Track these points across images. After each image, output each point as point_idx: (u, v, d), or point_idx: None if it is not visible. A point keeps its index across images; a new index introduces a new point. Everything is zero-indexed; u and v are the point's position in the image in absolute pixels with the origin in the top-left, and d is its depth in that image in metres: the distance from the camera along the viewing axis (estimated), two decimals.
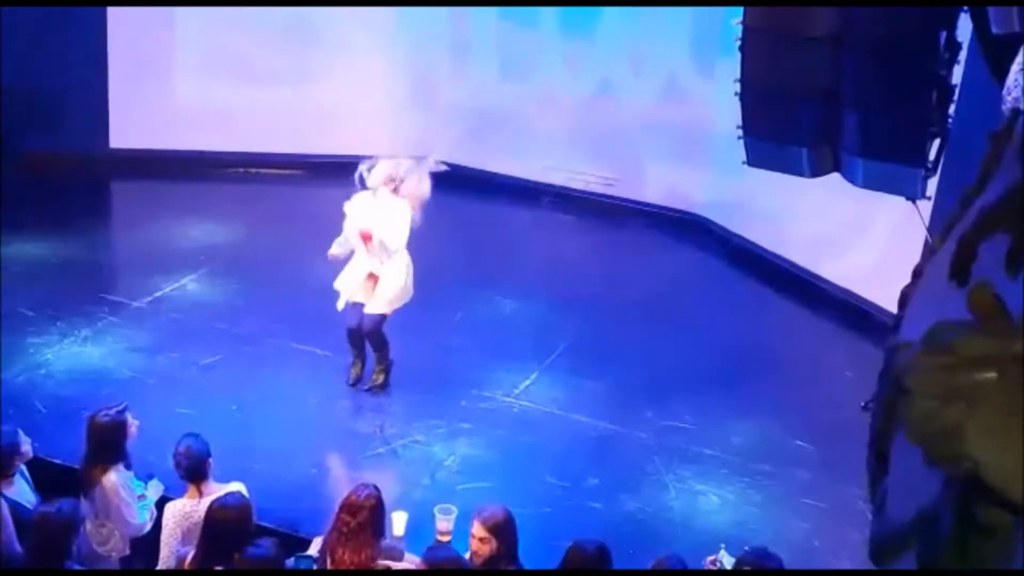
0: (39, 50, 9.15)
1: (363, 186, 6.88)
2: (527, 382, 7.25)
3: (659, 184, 9.63)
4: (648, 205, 9.75)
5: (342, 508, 4.85)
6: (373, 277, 7.00)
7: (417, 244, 9.28)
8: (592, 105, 9.70)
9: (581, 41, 9.62)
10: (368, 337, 7.00)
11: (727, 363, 7.63)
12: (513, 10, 9.71)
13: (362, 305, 6.94)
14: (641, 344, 7.78)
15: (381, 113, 10.06)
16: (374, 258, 6.95)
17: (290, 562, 4.84)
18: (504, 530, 4.89)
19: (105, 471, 5.26)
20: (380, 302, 6.93)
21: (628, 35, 9.50)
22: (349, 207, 6.98)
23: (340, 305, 6.95)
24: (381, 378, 7.06)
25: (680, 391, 7.22)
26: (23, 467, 5.33)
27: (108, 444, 5.29)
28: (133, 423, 5.36)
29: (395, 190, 6.88)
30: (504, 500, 5.18)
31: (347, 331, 7.02)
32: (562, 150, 9.91)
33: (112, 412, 5.35)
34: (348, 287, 6.96)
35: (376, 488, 4.95)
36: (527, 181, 9.99)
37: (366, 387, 7.06)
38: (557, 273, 8.70)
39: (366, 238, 6.92)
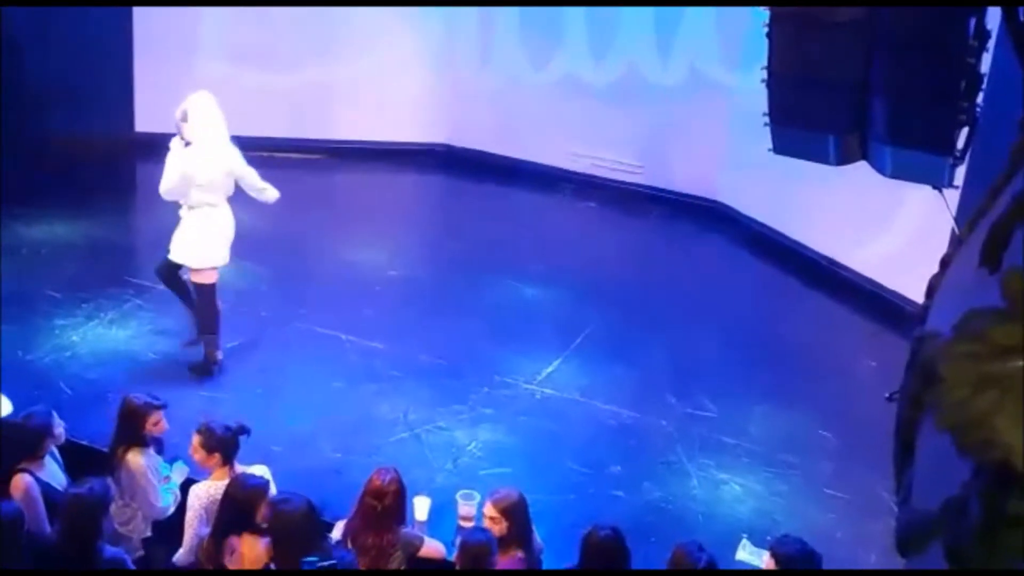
0: (65, 35, 9.19)
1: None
2: (549, 369, 7.25)
3: (683, 171, 9.59)
4: (672, 193, 9.72)
5: (367, 492, 4.87)
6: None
7: (440, 230, 9.36)
8: (617, 91, 9.66)
9: (607, 27, 9.58)
10: (191, 294, 6.77)
11: (750, 352, 7.61)
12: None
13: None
14: (664, 332, 7.76)
15: (405, 98, 10.07)
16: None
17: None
18: (515, 512, 4.91)
19: (132, 452, 5.31)
20: (176, 253, 6.65)
21: (654, 21, 9.45)
22: None
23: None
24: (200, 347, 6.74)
25: (703, 379, 7.21)
26: (54, 449, 5.36)
27: (137, 426, 5.33)
28: (161, 419, 5.37)
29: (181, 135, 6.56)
30: (526, 486, 5.19)
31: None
32: (586, 137, 9.89)
33: (145, 396, 5.38)
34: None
35: (397, 472, 4.98)
36: (550, 167, 9.98)
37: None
38: (580, 260, 8.70)
39: None
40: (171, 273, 6.79)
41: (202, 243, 6.64)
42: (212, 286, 6.74)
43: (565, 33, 9.75)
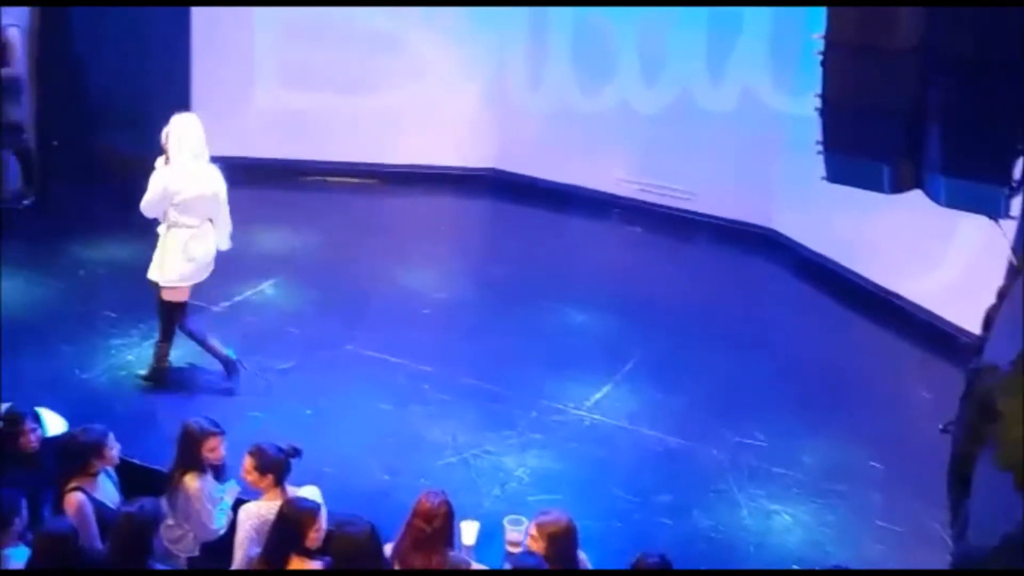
0: (127, 57, 9.37)
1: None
2: (599, 395, 7.24)
3: (734, 197, 9.55)
4: (722, 219, 9.68)
5: (416, 515, 4.89)
6: None
7: (488, 254, 9.39)
8: (668, 117, 9.67)
9: (658, 52, 9.60)
10: (160, 315, 6.93)
11: (800, 380, 7.55)
12: (591, 20, 9.72)
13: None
14: (713, 359, 7.72)
15: (455, 123, 10.14)
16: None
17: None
18: (559, 539, 4.88)
19: (189, 476, 5.37)
20: (152, 272, 6.84)
21: (706, 47, 9.45)
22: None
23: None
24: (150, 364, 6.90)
25: (752, 408, 7.16)
26: (110, 468, 5.42)
27: (194, 450, 5.39)
28: (217, 446, 5.41)
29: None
30: (574, 512, 5.17)
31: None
32: (635, 162, 9.88)
33: (205, 422, 5.44)
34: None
35: (446, 495, 4.98)
36: (598, 192, 9.99)
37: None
38: (628, 286, 8.68)
39: None
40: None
41: (167, 261, 6.77)
42: (172, 304, 6.83)
43: (617, 59, 9.76)
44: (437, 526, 4.87)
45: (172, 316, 6.89)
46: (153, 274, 6.84)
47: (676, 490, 6.36)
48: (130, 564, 4.73)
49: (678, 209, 9.78)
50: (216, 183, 6.83)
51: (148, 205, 6.76)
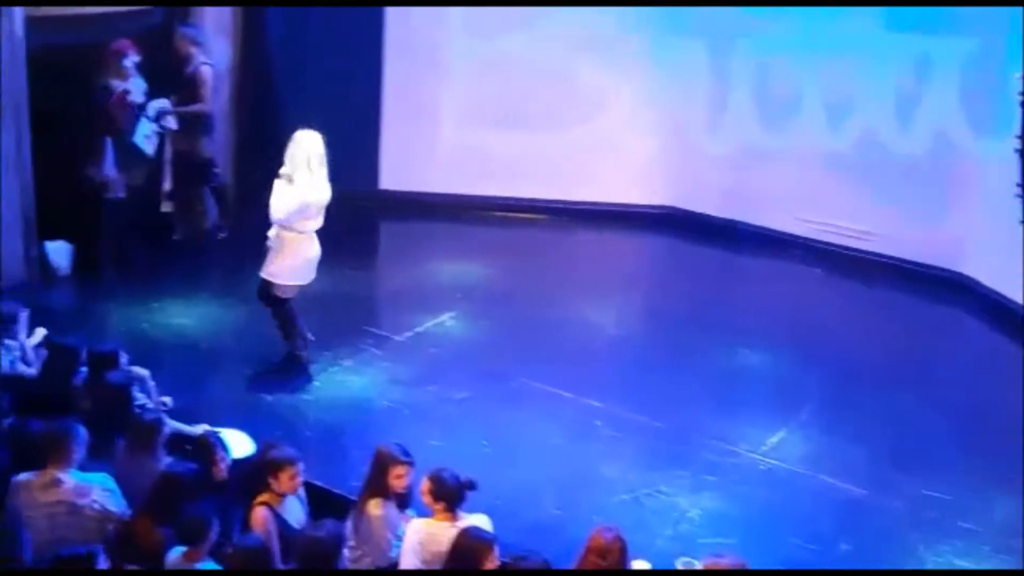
0: (320, 94, 9.80)
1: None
2: (774, 438, 7.11)
3: (919, 239, 9.27)
4: (906, 261, 9.40)
5: (591, 550, 4.90)
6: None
7: (664, 292, 9.37)
8: (851, 157, 9.47)
9: (844, 93, 9.43)
10: (274, 314, 7.42)
11: (987, 432, 7.25)
12: (773, 59, 9.63)
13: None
14: (894, 406, 7.50)
15: (633, 161, 10.18)
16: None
17: None
18: None
19: (373, 502, 5.46)
20: (268, 268, 7.30)
21: (895, 85, 9.24)
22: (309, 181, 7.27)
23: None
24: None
25: (935, 457, 6.92)
26: (301, 490, 5.55)
27: (381, 476, 5.48)
28: (403, 474, 5.49)
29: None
30: (748, 558, 5.10)
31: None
32: (816, 202, 9.72)
33: (395, 448, 5.52)
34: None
35: (619, 531, 4.98)
36: (777, 232, 9.85)
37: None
38: (807, 328, 8.52)
39: None
40: (266, 292, 7.37)
41: (288, 263, 7.28)
42: (288, 300, 7.39)
43: (799, 98, 9.64)
44: (612, 562, 4.87)
45: (294, 311, 7.35)
46: (281, 276, 7.29)
47: (855, 540, 6.17)
48: None
49: (860, 250, 9.55)
50: (328, 194, 7.31)
51: (291, 215, 7.17)
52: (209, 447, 5.60)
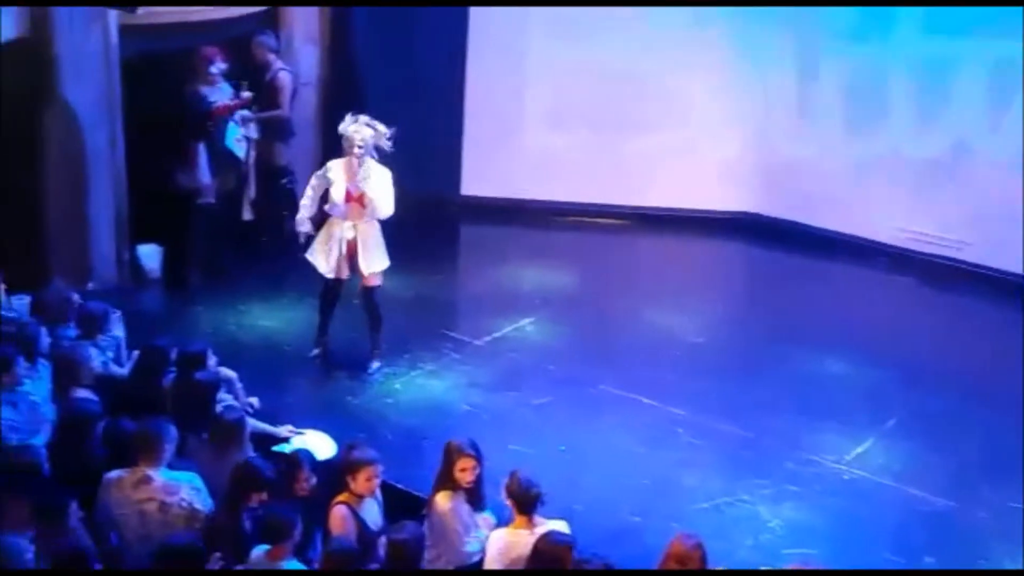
0: (404, 101, 9.90)
1: (351, 151, 7.25)
2: (859, 449, 7.00)
3: (1014, 249, 9.03)
4: (999, 271, 9.18)
5: (670, 556, 4.87)
6: (351, 244, 7.36)
7: (746, 299, 9.28)
8: (942, 164, 9.28)
9: (935, 99, 9.25)
10: (376, 306, 7.55)
11: None
12: (862, 62, 9.48)
13: (348, 278, 7.46)
14: (984, 419, 7.35)
15: (716, 166, 10.10)
16: (352, 221, 7.34)
17: None
18: None
19: (442, 495, 5.49)
20: (377, 266, 7.42)
21: (987, 93, 9.03)
22: (334, 168, 7.37)
23: (330, 274, 7.45)
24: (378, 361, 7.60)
25: (1021, 470, 6.72)
26: (378, 491, 5.60)
27: (449, 469, 5.50)
28: (468, 468, 5.49)
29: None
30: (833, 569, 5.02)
31: (327, 302, 7.60)
32: (905, 209, 9.54)
33: (464, 442, 5.55)
34: (333, 258, 7.39)
35: (699, 538, 4.93)
36: (865, 240, 9.69)
37: (371, 372, 7.54)
38: (894, 337, 8.37)
39: (350, 198, 7.31)
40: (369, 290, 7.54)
41: (380, 251, 7.51)
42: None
43: (889, 103, 9.48)
44: (692, 569, 4.83)
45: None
46: (380, 264, 7.44)
47: (942, 553, 6.05)
48: None
49: (951, 259, 9.35)
50: None
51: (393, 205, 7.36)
52: (297, 464, 5.65)
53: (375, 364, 7.63)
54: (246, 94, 8.65)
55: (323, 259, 7.46)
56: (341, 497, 5.47)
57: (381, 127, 7.33)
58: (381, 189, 7.34)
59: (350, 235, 7.38)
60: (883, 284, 9.33)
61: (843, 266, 9.52)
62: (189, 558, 4.82)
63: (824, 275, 9.45)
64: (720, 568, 5.16)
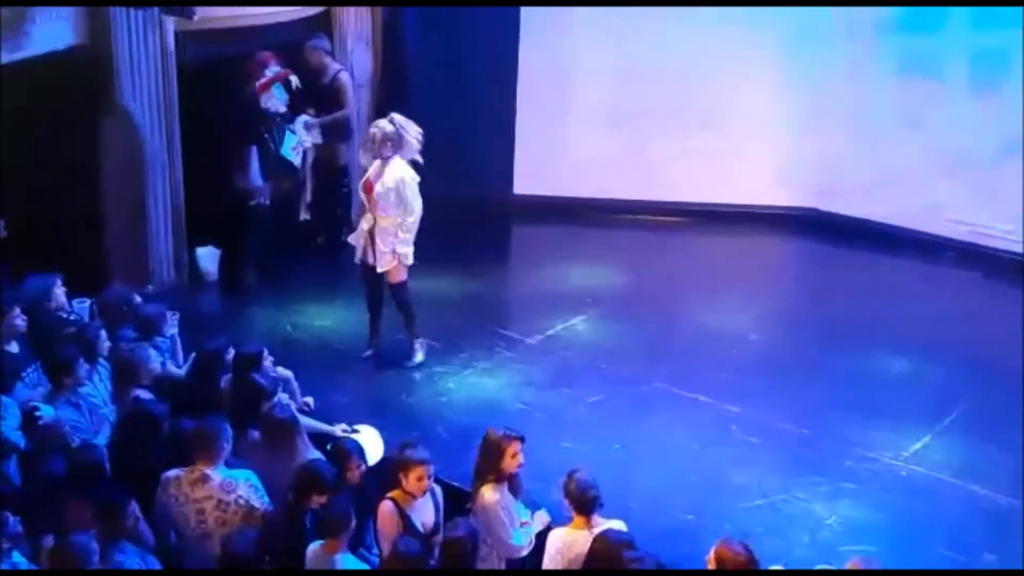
0: (455, 100, 9.95)
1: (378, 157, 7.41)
2: (917, 445, 6.90)
3: None
4: None
5: (718, 562, 4.81)
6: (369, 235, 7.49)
7: (805, 296, 9.17)
8: (1005, 155, 9.09)
9: (989, 99, 9.07)
10: (403, 304, 7.63)
11: None
12: (918, 53, 9.35)
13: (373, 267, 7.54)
14: None
15: (771, 161, 10.00)
16: (369, 213, 7.47)
17: None
18: None
19: (487, 488, 5.47)
20: (382, 264, 7.50)
21: None
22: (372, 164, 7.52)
23: (357, 258, 7.63)
24: (419, 355, 7.68)
25: None
26: (435, 487, 5.62)
27: (495, 459, 5.48)
28: (519, 452, 5.48)
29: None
30: (892, 567, 4.95)
31: (371, 298, 7.78)
32: (969, 202, 9.37)
33: (504, 429, 5.53)
34: (359, 246, 7.59)
35: (746, 547, 4.84)
36: (927, 235, 9.54)
37: (410, 365, 7.62)
38: (957, 333, 8.22)
39: (368, 190, 7.46)
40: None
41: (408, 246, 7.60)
42: None
43: (947, 94, 9.33)
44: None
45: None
46: (382, 263, 7.50)
47: (1005, 552, 5.95)
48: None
49: (1017, 253, 9.16)
50: None
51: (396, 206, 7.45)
52: (345, 454, 5.71)
53: (416, 359, 7.71)
54: (286, 72, 8.64)
55: (357, 244, 7.66)
56: (392, 493, 5.50)
57: (412, 128, 7.47)
58: (388, 186, 7.39)
59: (366, 226, 7.52)
60: (948, 279, 9.17)
61: (905, 261, 9.37)
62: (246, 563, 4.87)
63: (886, 271, 9.31)
64: (776, 567, 5.12)
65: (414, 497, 5.48)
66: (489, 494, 5.47)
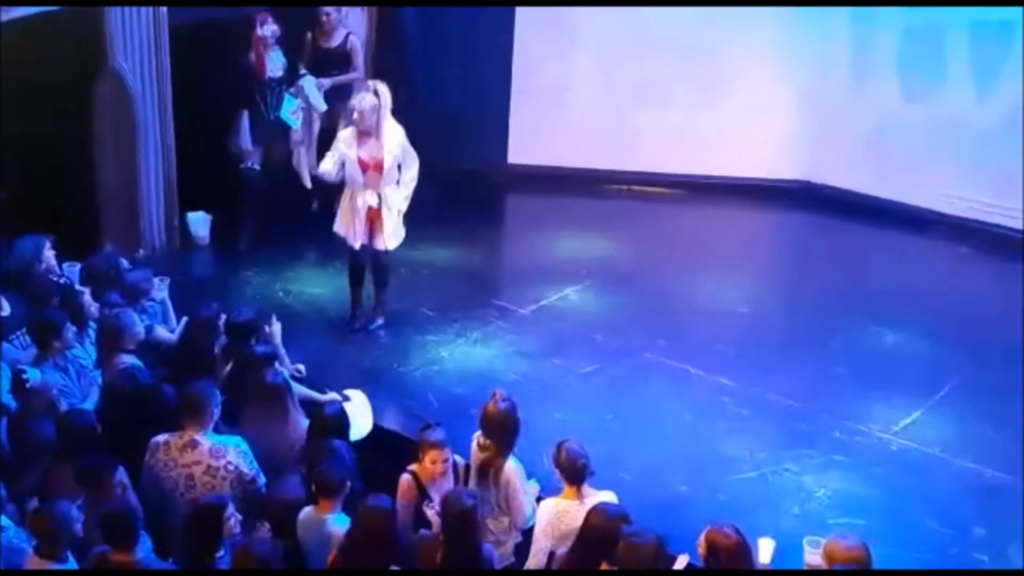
0: (451, 69, 9.88)
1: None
2: (908, 420, 6.90)
3: None
4: None
5: (708, 547, 4.79)
6: (373, 211, 7.33)
7: (798, 269, 9.15)
8: (1002, 130, 9.06)
9: (994, 63, 9.03)
10: (386, 273, 7.64)
11: None
12: (920, 25, 9.29)
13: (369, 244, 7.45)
14: None
15: (768, 135, 9.95)
16: (373, 190, 7.30)
17: None
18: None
19: (513, 461, 5.46)
20: (393, 242, 7.48)
21: None
22: (343, 140, 7.31)
23: (356, 244, 7.44)
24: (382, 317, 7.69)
25: None
26: (458, 459, 5.61)
27: (506, 431, 5.47)
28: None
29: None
30: (880, 541, 4.98)
31: (354, 271, 7.61)
32: (963, 177, 9.34)
33: (506, 398, 5.52)
34: (355, 226, 7.38)
35: (736, 530, 4.81)
36: (921, 209, 9.52)
37: (375, 325, 7.65)
38: (949, 308, 8.22)
39: (367, 167, 7.25)
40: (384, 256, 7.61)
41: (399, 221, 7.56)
42: None
43: (946, 69, 9.28)
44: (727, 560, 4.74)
45: None
46: (393, 241, 7.49)
47: (994, 525, 5.96)
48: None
49: (1012, 228, 9.15)
50: None
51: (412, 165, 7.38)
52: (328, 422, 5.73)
53: (378, 321, 7.70)
54: (277, 29, 8.50)
55: (350, 230, 7.43)
56: (413, 466, 5.50)
57: (381, 85, 7.29)
58: (394, 153, 7.27)
59: (373, 202, 7.35)
60: (940, 253, 9.15)
61: (899, 235, 9.34)
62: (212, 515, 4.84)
63: (879, 245, 9.29)
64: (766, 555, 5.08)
65: (434, 478, 5.47)
66: (513, 467, 5.47)
